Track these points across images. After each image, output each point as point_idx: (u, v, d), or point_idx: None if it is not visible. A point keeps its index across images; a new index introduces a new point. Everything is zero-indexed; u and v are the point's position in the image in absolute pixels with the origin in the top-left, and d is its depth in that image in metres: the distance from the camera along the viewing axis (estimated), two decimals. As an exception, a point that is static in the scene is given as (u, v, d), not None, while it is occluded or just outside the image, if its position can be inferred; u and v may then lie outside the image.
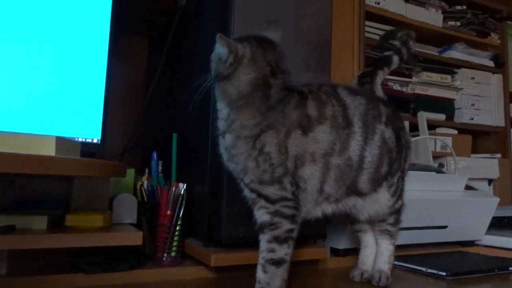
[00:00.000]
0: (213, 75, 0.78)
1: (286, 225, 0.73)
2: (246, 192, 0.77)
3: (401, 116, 0.93)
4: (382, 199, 0.87)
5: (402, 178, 0.91)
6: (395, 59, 0.99)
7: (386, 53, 1.01)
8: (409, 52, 1.01)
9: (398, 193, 0.90)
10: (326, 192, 0.79)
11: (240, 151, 0.74)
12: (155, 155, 1.05)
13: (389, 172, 0.86)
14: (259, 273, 0.73)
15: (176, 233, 0.94)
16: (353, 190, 0.82)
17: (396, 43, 1.01)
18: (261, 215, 0.75)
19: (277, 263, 0.72)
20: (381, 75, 0.97)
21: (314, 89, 0.82)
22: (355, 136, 0.80)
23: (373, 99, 0.87)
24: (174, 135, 1.04)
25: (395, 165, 0.87)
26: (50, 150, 0.66)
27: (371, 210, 0.87)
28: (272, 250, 0.72)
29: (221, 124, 0.78)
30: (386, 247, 0.91)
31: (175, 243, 0.93)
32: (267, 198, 0.74)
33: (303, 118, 0.77)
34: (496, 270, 1.04)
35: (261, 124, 0.74)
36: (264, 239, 0.74)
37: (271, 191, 0.74)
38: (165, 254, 0.92)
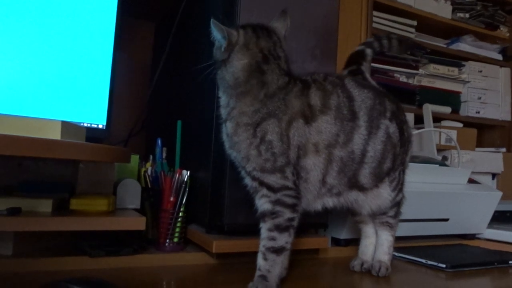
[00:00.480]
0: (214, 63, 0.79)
1: (287, 214, 0.74)
2: (248, 180, 0.78)
3: (404, 110, 0.93)
4: (383, 194, 0.87)
5: (403, 171, 0.92)
6: (368, 51, 1.00)
7: (357, 48, 1.01)
8: (383, 47, 1.01)
9: (399, 187, 0.91)
10: (329, 184, 0.79)
11: (241, 139, 0.75)
12: (159, 141, 1.06)
13: (392, 168, 0.86)
14: (260, 261, 0.73)
15: (179, 219, 0.95)
16: (355, 184, 0.82)
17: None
18: (263, 203, 0.75)
19: (277, 251, 0.73)
20: (366, 70, 0.98)
21: (319, 78, 0.82)
22: (359, 129, 0.80)
23: (380, 94, 0.87)
24: (179, 122, 1.04)
25: (398, 160, 0.87)
26: (55, 134, 0.67)
27: (373, 205, 0.88)
28: (272, 238, 0.73)
29: (222, 112, 0.79)
30: (386, 238, 0.92)
31: (177, 229, 0.94)
32: (269, 187, 0.74)
33: (305, 108, 0.77)
34: (495, 264, 1.05)
35: (261, 112, 0.74)
36: (265, 227, 0.74)
37: (273, 179, 0.74)
38: (167, 240, 0.94)
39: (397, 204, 0.91)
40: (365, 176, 0.82)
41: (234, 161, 0.80)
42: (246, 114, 0.75)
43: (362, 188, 0.83)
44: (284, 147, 0.74)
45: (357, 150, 0.80)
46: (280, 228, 0.73)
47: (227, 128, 0.77)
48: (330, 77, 0.83)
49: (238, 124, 0.75)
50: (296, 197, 0.75)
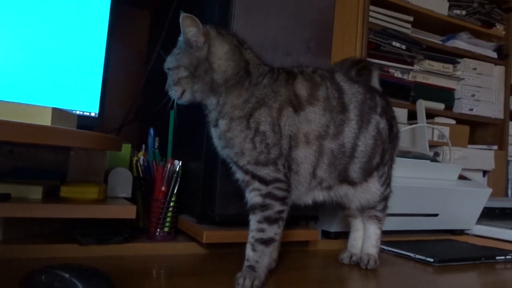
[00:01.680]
0: (196, 81, 0.75)
1: (277, 206, 0.74)
2: (239, 175, 0.77)
3: (392, 106, 0.93)
4: (372, 189, 0.88)
5: (391, 166, 0.92)
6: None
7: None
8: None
9: (388, 181, 0.92)
10: (319, 177, 0.79)
11: (235, 133, 0.74)
12: (152, 131, 1.05)
13: (381, 163, 0.87)
14: (248, 252, 0.74)
15: (170, 209, 0.95)
16: (345, 179, 0.83)
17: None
18: (253, 197, 0.75)
19: (266, 242, 0.73)
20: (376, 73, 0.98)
21: (307, 70, 0.82)
22: (350, 123, 0.80)
23: (370, 90, 0.87)
24: (172, 112, 1.04)
25: (387, 155, 0.88)
26: (45, 121, 0.66)
27: (362, 199, 0.88)
28: (262, 230, 0.73)
29: (212, 116, 0.78)
30: (374, 232, 0.93)
31: (168, 219, 0.95)
32: (261, 179, 0.74)
33: (292, 97, 0.77)
34: (482, 259, 1.06)
35: (250, 101, 0.74)
36: (254, 219, 0.74)
37: (266, 171, 0.74)
38: (158, 229, 0.94)
39: (385, 199, 0.92)
40: (355, 170, 0.83)
41: (226, 159, 0.79)
42: (237, 107, 0.74)
43: (352, 183, 0.84)
44: (276, 137, 0.74)
45: (347, 143, 0.80)
46: (269, 220, 0.73)
47: (220, 126, 0.76)
48: (320, 70, 0.83)
49: (232, 119, 0.74)
50: (286, 190, 0.75)
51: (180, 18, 0.73)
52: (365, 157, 0.83)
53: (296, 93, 0.77)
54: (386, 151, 0.87)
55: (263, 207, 0.74)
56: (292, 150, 0.76)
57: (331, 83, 0.81)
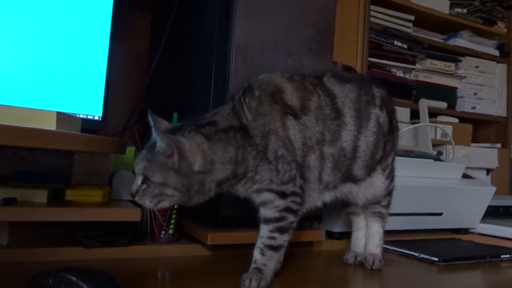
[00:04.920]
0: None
1: (290, 218, 0.74)
2: (256, 196, 0.75)
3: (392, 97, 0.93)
4: (377, 183, 0.88)
5: (393, 158, 0.92)
6: None
7: None
8: None
9: (392, 175, 0.92)
10: (325, 181, 0.80)
11: (264, 177, 0.73)
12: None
13: (383, 155, 0.87)
14: (256, 255, 0.73)
15: (174, 211, 0.95)
16: (349, 177, 0.83)
17: None
18: (270, 213, 0.74)
19: (275, 248, 0.74)
20: None
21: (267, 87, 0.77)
22: (346, 126, 0.80)
23: (365, 83, 0.86)
24: (175, 114, 1.04)
25: (388, 146, 0.88)
26: (50, 125, 0.67)
27: (368, 194, 0.88)
28: (273, 238, 0.73)
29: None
30: (377, 230, 0.93)
31: (172, 221, 0.95)
32: (282, 194, 0.74)
33: (285, 107, 0.75)
34: (487, 258, 1.06)
35: (257, 143, 0.72)
36: (266, 228, 0.74)
37: (288, 187, 0.74)
38: (162, 231, 0.94)
39: (389, 193, 0.92)
40: (358, 169, 0.83)
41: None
42: (262, 160, 0.73)
43: (355, 180, 0.84)
44: (292, 154, 0.74)
45: (347, 146, 0.80)
46: (281, 230, 0.74)
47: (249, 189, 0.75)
48: (309, 78, 0.81)
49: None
50: (300, 204, 0.76)
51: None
52: (367, 155, 0.83)
53: (288, 104, 0.76)
54: (387, 142, 0.87)
55: (278, 219, 0.74)
56: (306, 157, 0.76)
57: (322, 90, 0.80)
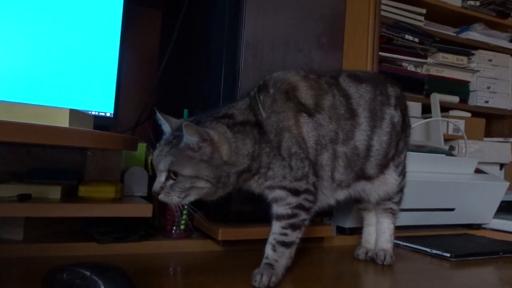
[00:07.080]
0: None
1: (303, 215, 0.75)
2: (269, 193, 0.76)
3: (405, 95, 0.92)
4: (390, 180, 0.88)
5: (405, 155, 0.92)
6: None
7: None
8: None
9: (404, 171, 0.92)
10: (338, 179, 0.80)
11: (277, 173, 0.74)
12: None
13: (396, 153, 0.87)
14: (268, 251, 0.74)
15: (185, 207, 0.96)
16: (362, 175, 0.83)
17: None
18: (283, 210, 0.75)
19: (287, 244, 0.74)
20: None
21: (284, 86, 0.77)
22: (360, 127, 0.80)
23: (380, 83, 0.86)
24: (185, 111, 1.04)
25: (401, 144, 0.88)
26: (63, 122, 0.67)
27: (381, 191, 0.88)
28: (284, 234, 0.74)
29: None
30: (388, 226, 0.92)
31: (184, 217, 0.95)
32: (294, 191, 0.74)
33: (299, 105, 0.76)
34: (500, 253, 1.05)
35: (271, 139, 0.73)
36: (278, 225, 0.74)
37: (301, 184, 0.74)
38: (174, 227, 0.95)
39: (401, 190, 0.92)
40: (371, 167, 0.83)
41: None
42: (275, 156, 0.74)
43: (368, 178, 0.84)
44: (304, 151, 0.74)
45: (360, 146, 0.80)
46: (294, 227, 0.74)
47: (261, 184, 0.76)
48: (325, 77, 0.81)
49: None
50: (313, 201, 0.76)
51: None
52: (381, 154, 0.83)
53: (302, 102, 0.76)
54: (400, 140, 0.87)
55: (291, 216, 0.74)
56: (319, 155, 0.76)
57: (337, 90, 0.80)
